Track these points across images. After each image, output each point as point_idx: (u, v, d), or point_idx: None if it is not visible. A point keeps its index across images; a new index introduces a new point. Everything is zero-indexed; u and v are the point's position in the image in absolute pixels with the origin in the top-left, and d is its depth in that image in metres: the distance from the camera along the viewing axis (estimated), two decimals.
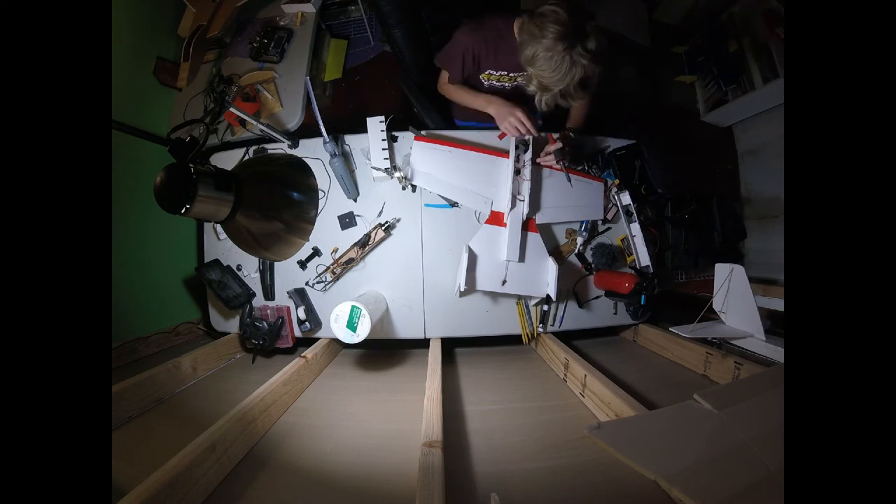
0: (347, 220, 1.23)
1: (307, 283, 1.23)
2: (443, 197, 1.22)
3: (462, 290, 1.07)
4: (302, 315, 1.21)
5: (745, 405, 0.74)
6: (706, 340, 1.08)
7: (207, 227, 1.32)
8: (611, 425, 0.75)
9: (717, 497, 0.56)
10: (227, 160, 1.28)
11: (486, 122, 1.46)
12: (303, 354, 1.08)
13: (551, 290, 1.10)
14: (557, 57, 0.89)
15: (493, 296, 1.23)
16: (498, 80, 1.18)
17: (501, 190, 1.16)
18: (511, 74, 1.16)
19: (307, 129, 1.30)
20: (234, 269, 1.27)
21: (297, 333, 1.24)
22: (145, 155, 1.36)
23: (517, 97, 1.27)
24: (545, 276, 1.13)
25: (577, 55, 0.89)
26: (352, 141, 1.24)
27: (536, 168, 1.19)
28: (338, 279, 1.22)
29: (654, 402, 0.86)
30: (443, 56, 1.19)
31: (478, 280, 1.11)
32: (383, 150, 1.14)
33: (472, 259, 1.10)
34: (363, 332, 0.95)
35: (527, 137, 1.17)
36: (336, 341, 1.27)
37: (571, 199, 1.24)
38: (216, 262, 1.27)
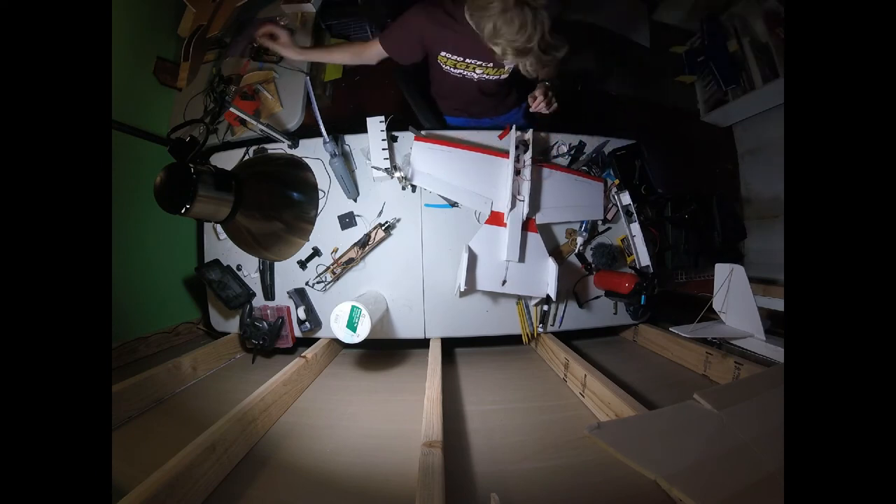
0: (347, 220, 1.23)
1: (307, 283, 1.23)
2: (443, 197, 1.22)
3: (462, 290, 1.07)
4: (302, 315, 1.21)
5: (745, 405, 0.74)
6: (706, 340, 1.08)
7: (207, 227, 1.32)
8: (611, 425, 0.74)
9: (717, 497, 0.56)
10: (227, 160, 1.28)
11: (475, 120, 1.46)
12: (303, 354, 1.08)
13: (551, 291, 1.10)
14: (516, 16, 0.85)
15: (493, 296, 1.23)
16: (455, 66, 1.16)
17: (501, 190, 1.16)
18: (468, 61, 1.14)
19: (307, 129, 1.30)
20: (234, 269, 1.27)
21: (297, 333, 1.24)
22: (145, 155, 1.36)
23: (492, 91, 1.26)
24: (545, 277, 1.13)
25: (534, 4, 0.84)
26: (352, 141, 1.24)
27: (537, 168, 1.19)
28: (338, 279, 1.22)
29: (654, 402, 0.85)
30: (387, 37, 1.14)
31: (478, 280, 1.11)
32: (383, 150, 1.14)
33: (472, 259, 1.10)
34: (363, 332, 0.95)
35: (526, 137, 1.17)
36: (336, 341, 1.27)
37: (571, 199, 1.24)
38: (216, 262, 1.27)
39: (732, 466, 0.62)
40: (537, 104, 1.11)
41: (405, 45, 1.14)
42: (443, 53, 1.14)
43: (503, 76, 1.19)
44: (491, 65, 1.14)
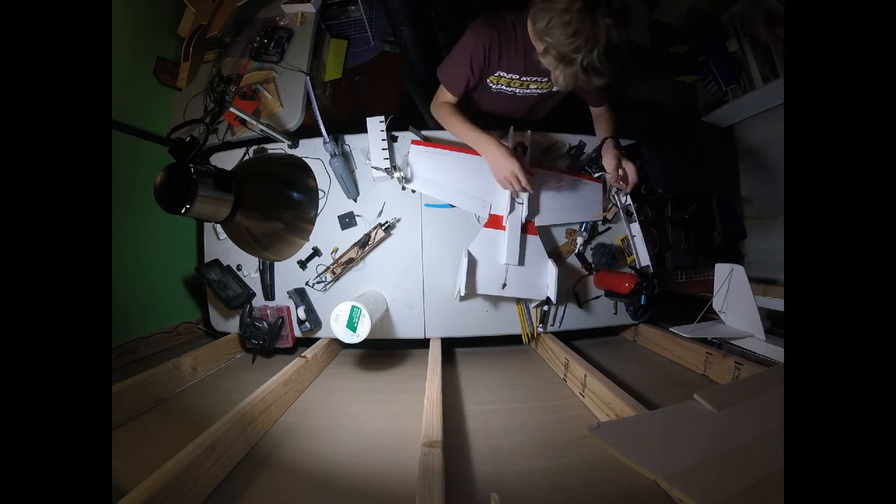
0: (347, 220, 1.23)
1: (307, 283, 1.23)
2: None
3: (462, 295, 1.07)
4: (302, 315, 1.21)
5: (745, 405, 0.74)
6: (706, 340, 1.08)
7: (207, 227, 1.32)
8: (611, 425, 0.75)
9: (717, 497, 0.56)
10: (227, 160, 1.28)
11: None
12: (303, 354, 1.08)
13: (552, 293, 1.10)
14: (575, 20, 0.76)
15: (493, 297, 1.23)
16: (508, 85, 1.13)
17: (500, 193, 1.16)
18: (522, 79, 1.11)
19: (307, 129, 1.30)
20: (234, 269, 1.27)
21: (297, 333, 1.24)
22: (145, 155, 1.36)
23: (523, 107, 1.24)
24: (545, 279, 1.13)
25: (600, 16, 0.75)
26: (352, 141, 1.24)
27: (535, 170, 1.19)
28: (338, 279, 1.22)
29: (654, 402, 0.86)
30: (446, 65, 1.09)
31: (478, 285, 1.10)
32: (383, 150, 1.14)
33: (472, 264, 1.10)
34: (363, 332, 0.96)
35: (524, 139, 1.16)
36: (336, 341, 1.27)
37: (571, 200, 1.24)
38: (216, 262, 1.27)
39: (732, 466, 0.62)
40: (622, 184, 1.14)
41: (465, 80, 1.08)
42: (498, 73, 1.09)
43: (554, 88, 1.14)
44: (546, 79, 1.10)
